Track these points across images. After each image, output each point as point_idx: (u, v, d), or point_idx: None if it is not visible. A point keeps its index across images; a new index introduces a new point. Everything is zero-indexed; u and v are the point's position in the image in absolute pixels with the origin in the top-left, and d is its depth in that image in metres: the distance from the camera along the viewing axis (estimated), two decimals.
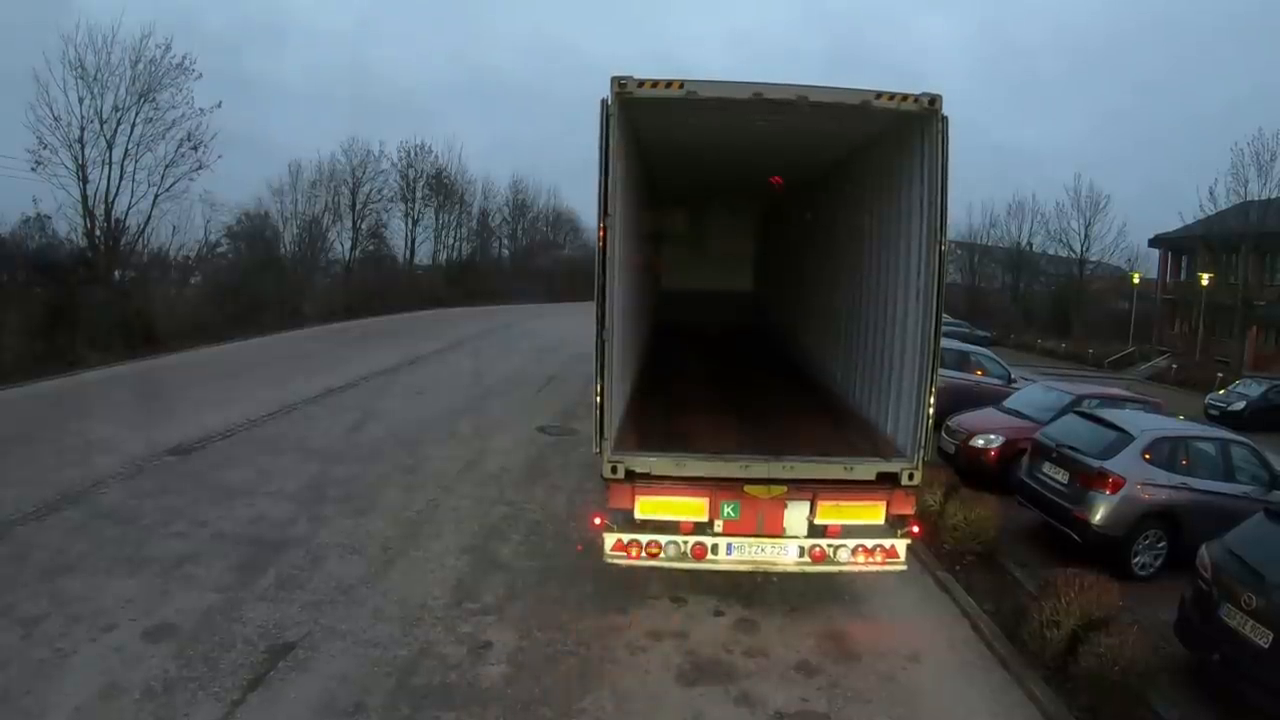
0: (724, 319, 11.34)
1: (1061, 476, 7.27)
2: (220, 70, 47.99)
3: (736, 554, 5.06)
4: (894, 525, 5.07)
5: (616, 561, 5.05)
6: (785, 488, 4.95)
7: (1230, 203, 30.09)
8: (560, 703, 4.22)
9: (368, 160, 36.77)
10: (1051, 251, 42.77)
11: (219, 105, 21.53)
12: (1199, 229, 31.91)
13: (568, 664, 4.61)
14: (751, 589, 5.75)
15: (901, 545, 5.05)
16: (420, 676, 4.37)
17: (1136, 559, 6.97)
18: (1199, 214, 31.27)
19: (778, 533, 5.02)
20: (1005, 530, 7.11)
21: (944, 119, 4.78)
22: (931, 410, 4.85)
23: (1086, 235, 39.91)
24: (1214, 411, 18.87)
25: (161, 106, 20.51)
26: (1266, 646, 4.58)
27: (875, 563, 5.06)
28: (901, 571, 5.29)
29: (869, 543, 5.03)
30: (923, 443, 4.90)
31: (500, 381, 14.63)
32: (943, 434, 9.93)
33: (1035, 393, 10.54)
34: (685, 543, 5.01)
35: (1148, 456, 7.03)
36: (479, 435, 10.07)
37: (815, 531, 5.05)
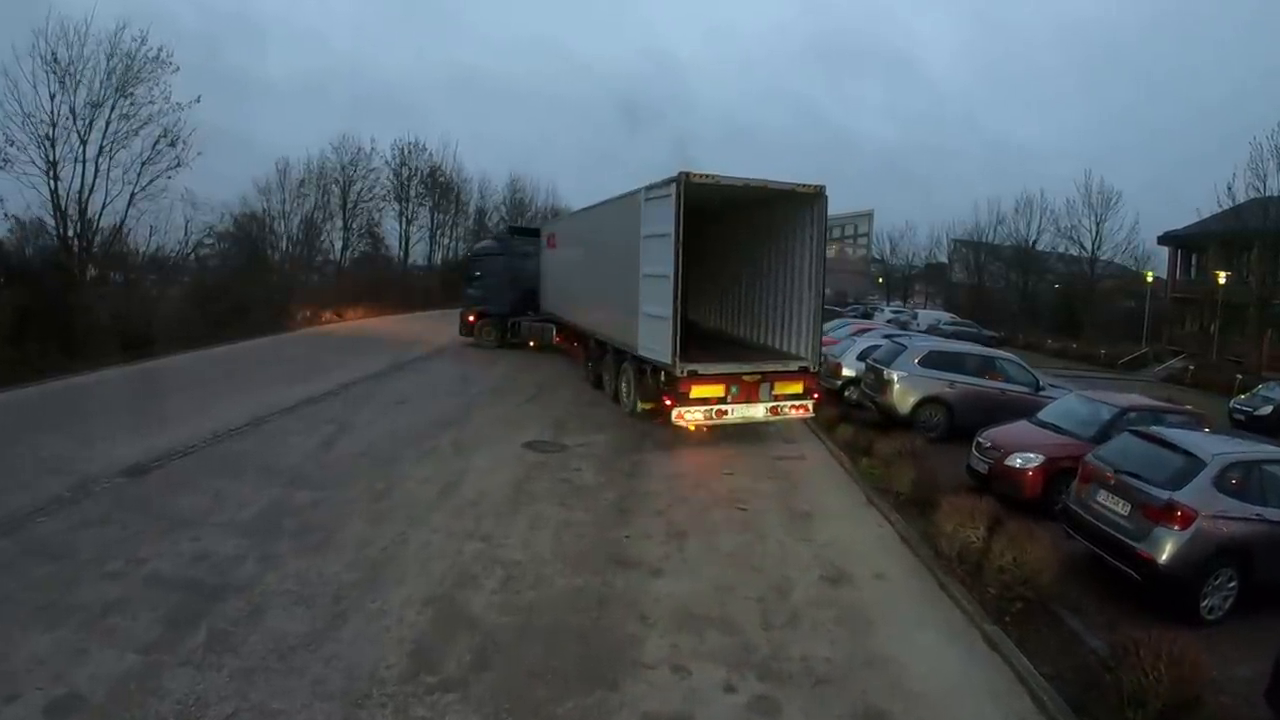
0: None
1: (1121, 508, 6.29)
2: (204, 67, 47.16)
3: (737, 414, 9.88)
4: (807, 392, 10.19)
5: (678, 422, 9.64)
6: (760, 376, 9.96)
7: (1249, 198, 28.99)
8: None
9: (359, 158, 36.02)
10: (1061, 249, 41.83)
11: (198, 100, 20.62)
12: (1213, 224, 30.82)
13: None
14: (769, 653, 4.84)
15: (810, 404, 10.26)
16: None
17: (1205, 601, 6.04)
18: (1216, 209, 30.20)
19: (755, 400, 9.92)
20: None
21: (825, 197, 9.90)
22: (822, 343, 10.58)
23: (1098, 233, 39.01)
24: (1239, 416, 17.74)
25: (138, 101, 19.63)
26: None
27: (799, 414, 10.27)
28: (809, 418, 10.76)
29: (797, 403, 10.12)
30: (814, 353, 10.21)
31: (487, 391, 13.79)
32: (974, 451, 9.00)
33: (1072, 404, 9.55)
34: (711, 409, 9.67)
35: (1222, 485, 6.10)
36: (460, 453, 9.19)
37: (774, 399, 10.01)
